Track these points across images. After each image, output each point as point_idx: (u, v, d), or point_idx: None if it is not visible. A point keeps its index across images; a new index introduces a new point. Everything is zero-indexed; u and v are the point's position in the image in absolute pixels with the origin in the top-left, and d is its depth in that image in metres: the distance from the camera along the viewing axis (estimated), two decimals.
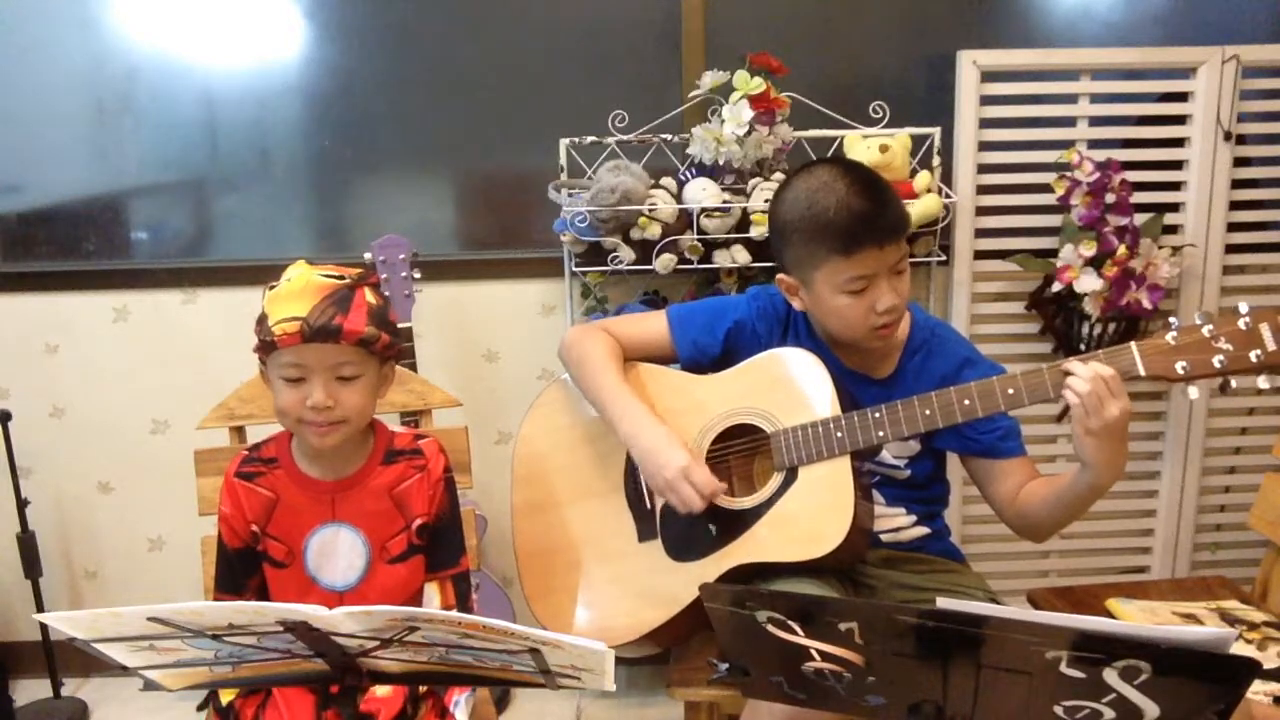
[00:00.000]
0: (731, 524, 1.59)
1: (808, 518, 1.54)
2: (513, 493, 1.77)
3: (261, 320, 1.42)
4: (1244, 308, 1.40)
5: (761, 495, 1.59)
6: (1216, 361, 1.40)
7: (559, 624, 1.67)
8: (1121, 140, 2.48)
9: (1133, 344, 1.43)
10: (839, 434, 1.54)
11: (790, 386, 1.60)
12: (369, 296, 1.45)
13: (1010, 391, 1.48)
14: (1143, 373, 1.42)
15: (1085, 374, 1.40)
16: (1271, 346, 1.38)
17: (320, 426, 1.44)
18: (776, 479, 1.58)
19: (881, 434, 1.54)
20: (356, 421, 1.47)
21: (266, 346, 1.42)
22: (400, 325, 2.28)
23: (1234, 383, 1.41)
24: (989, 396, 1.49)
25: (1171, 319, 1.44)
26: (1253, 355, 1.39)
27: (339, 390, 1.43)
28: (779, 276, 1.64)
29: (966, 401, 1.50)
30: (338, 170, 2.62)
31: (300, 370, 1.42)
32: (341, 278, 1.44)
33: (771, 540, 1.55)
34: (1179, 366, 1.41)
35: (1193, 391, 1.44)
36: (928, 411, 1.52)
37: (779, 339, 1.69)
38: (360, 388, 1.45)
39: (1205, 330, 1.41)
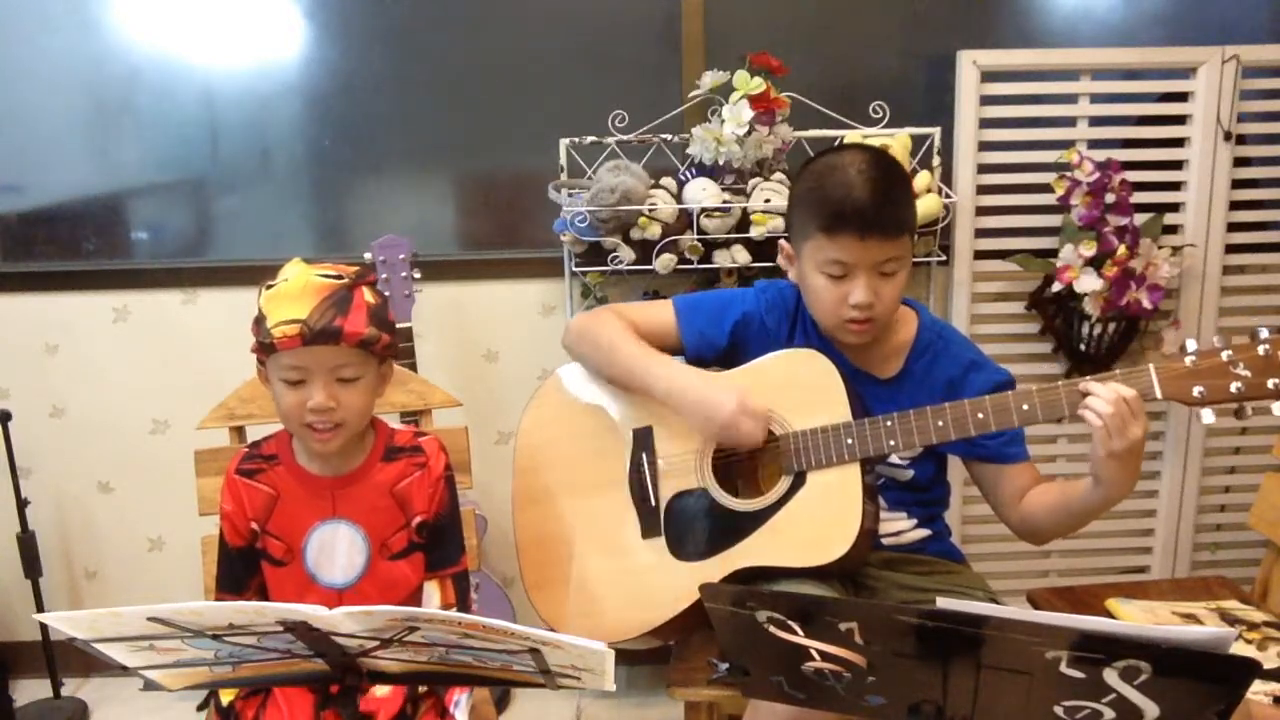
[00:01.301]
0: (737, 525, 1.58)
1: (815, 524, 1.54)
2: (514, 483, 1.76)
3: (259, 321, 1.41)
4: (1264, 333, 1.39)
5: (769, 498, 1.58)
6: (1233, 388, 1.38)
7: (557, 616, 1.66)
8: (1121, 140, 2.48)
9: (1150, 366, 1.42)
10: (849, 440, 1.54)
11: (801, 388, 1.59)
12: (368, 296, 1.43)
13: (1025, 408, 1.47)
14: (1160, 396, 1.41)
15: (1108, 395, 1.39)
16: None
17: (322, 432, 1.43)
18: (784, 482, 1.58)
19: (893, 443, 1.53)
20: (356, 424, 1.47)
21: (265, 348, 1.41)
22: (400, 325, 2.28)
23: (1250, 409, 1.39)
24: (1003, 412, 1.48)
25: (1189, 341, 1.42)
26: (1270, 383, 1.37)
27: (340, 392, 1.43)
28: (781, 241, 1.66)
29: (980, 415, 1.49)
30: (338, 170, 2.62)
31: (300, 373, 1.41)
32: (340, 277, 1.43)
33: (777, 544, 1.55)
34: (1196, 391, 1.40)
35: (1207, 416, 1.41)
36: (940, 423, 1.51)
37: (788, 333, 1.69)
38: (361, 389, 1.45)
39: (1224, 355, 1.39)
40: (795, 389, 1.59)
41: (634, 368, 1.63)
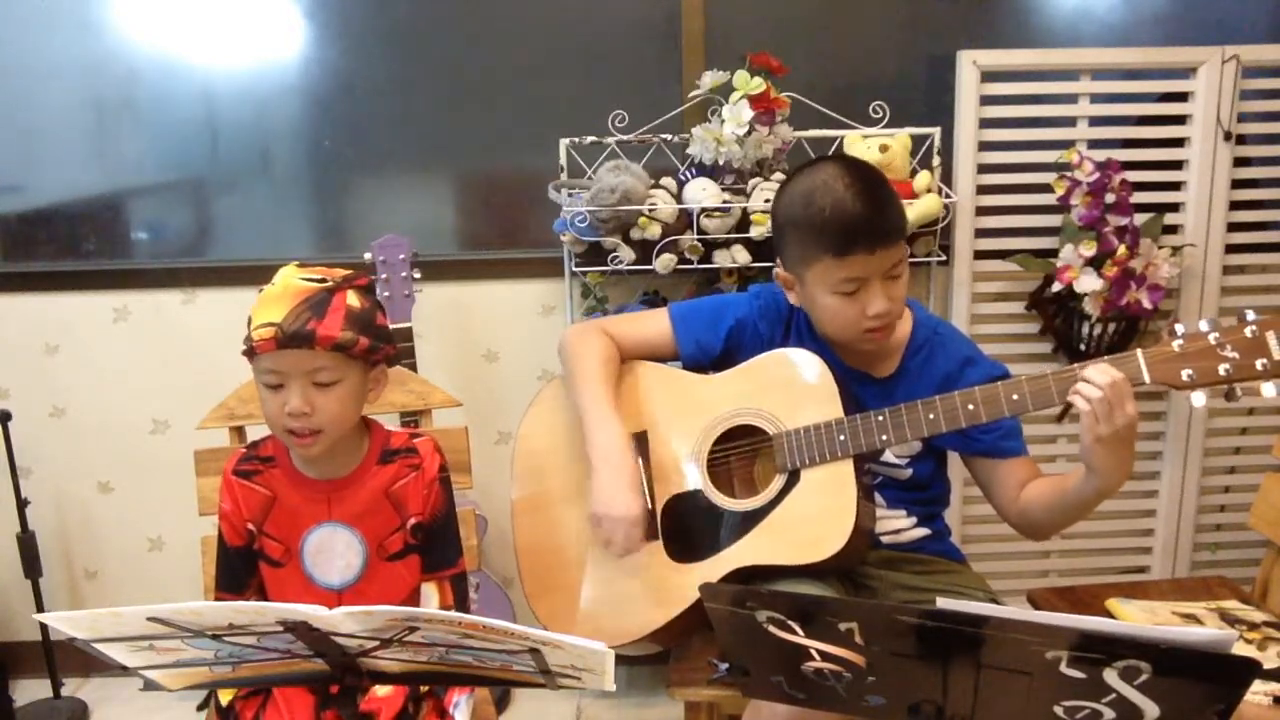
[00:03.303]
0: (733, 526, 1.59)
1: (810, 521, 1.54)
2: (513, 490, 1.77)
3: (248, 324, 1.41)
4: (1251, 315, 1.39)
5: (764, 497, 1.58)
6: (1222, 369, 1.38)
7: (559, 623, 1.67)
8: (1121, 140, 2.48)
9: (1138, 351, 1.42)
10: (842, 437, 1.54)
11: (794, 388, 1.59)
12: (351, 300, 1.41)
13: (1015, 397, 1.47)
14: (1148, 380, 1.41)
15: (1095, 380, 1.39)
16: (1278, 355, 1.36)
17: (301, 437, 1.42)
18: (779, 481, 1.58)
19: (885, 437, 1.54)
20: (334, 430, 1.44)
21: (249, 352, 1.41)
22: (400, 325, 2.29)
23: (1240, 391, 1.39)
24: (993, 402, 1.49)
25: (1177, 325, 1.42)
26: (1259, 363, 1.37)
27: (316, 396, 1.40)
28: (776, 271, 1.64)
29: (970, 406, 1.50)
30: (338, 170, 2.62)
31: (278, 376, 1.40)
32: (324, 280, 1.41)
33: (773, 543, 1.55)
34: (1184, 374, 1.40)
35: (1198, 399, 1.41)
36: (931, 415, 1.51)
37: (781, 337, 1.69)
38: (338, 394, 1.42)
39: (1211, 338, 1.39)
40: (788, 388, 1.60)
41: (582, 412, 1.65)
